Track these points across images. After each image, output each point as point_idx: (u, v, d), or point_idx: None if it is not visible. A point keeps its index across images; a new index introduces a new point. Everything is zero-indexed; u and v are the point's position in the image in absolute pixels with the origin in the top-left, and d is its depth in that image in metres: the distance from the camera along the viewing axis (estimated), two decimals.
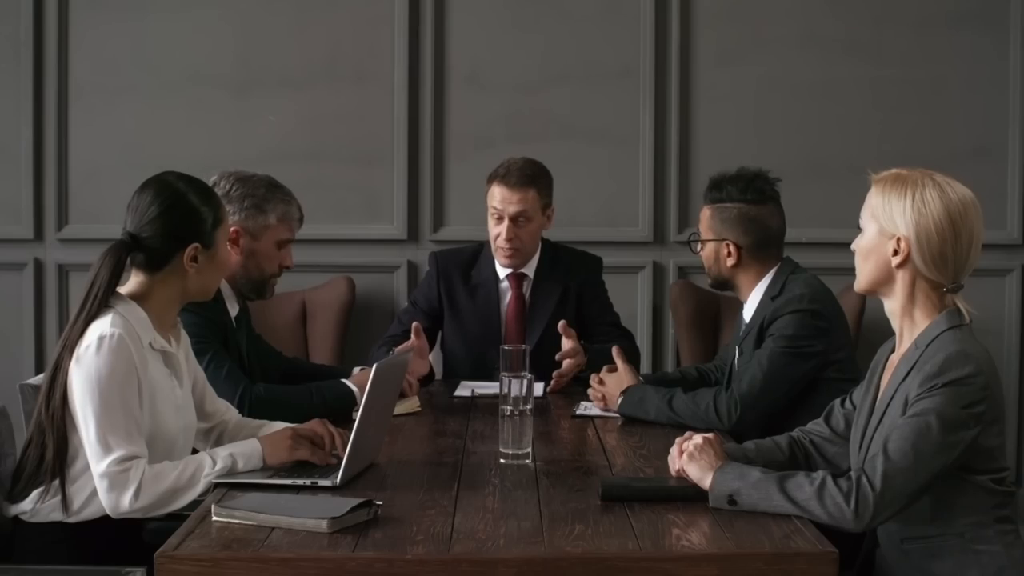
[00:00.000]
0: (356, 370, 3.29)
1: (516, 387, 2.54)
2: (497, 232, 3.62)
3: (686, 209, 4.54)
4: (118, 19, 4.52)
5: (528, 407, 2.54)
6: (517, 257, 3.66)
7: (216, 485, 2.36)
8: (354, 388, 3.08)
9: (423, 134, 4.54)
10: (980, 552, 2.21)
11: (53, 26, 4.50)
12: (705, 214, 3.14)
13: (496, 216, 3.62)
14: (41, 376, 2.61)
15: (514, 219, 3.60)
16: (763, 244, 3.08)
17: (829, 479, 2.15)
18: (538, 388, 3.16)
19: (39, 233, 4.57)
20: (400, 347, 3.36)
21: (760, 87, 4.54)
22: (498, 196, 3.60)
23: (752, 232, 3.07)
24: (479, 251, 3.78)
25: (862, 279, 2.33)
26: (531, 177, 3.61)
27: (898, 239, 2.24)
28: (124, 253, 2.46)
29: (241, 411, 2.84)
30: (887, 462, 2.14)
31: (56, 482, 2.41)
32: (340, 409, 3.01)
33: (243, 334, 3.17)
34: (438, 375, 3.72)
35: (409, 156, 4.53)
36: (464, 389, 3.43)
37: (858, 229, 2.34)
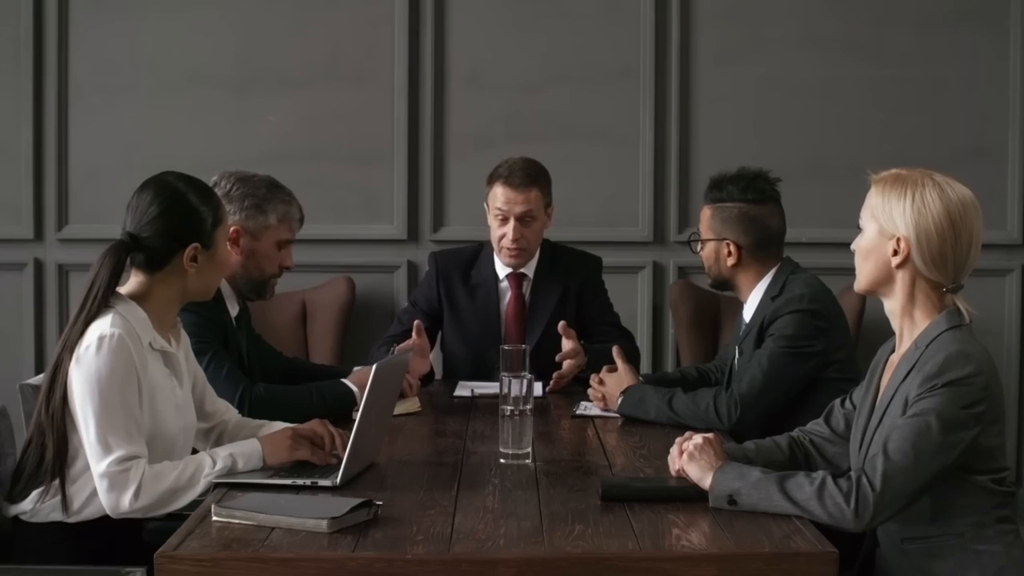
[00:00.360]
0: (357, 369, 3.28)
1: (516, 387, 2.54)
2: (502, 233, 3.62)
3: (686, 209, 4.54)
4: (118, 19, 4.52)
5: (528, 407, 2.54)
6: (523, 257, 3.67)
7: (216, 485, 2.36)
8: (354, 388, 3.08)
9: (423, 134, 4.54)
10: (980, 552, 2.21)
11: (53, 26, 4.50)
12: (705, 214, 3.14)
13: (501, 217, 3.62)
14: (41, 376, 2.61)
15: (520, 219, 3.60)
16: (763, 244, 3.08)
17: (829, 479, 2.15)
18: (537, 388, 3.16)
19: (39, 233, 4.57)
20: (401, 346, 3.36)
21: (760, 87, 4.54)
22: (502, 197, 3.60)
23: (752, 232, 3.07)
24: (479, 251, 3.78)
25: (862, 279, 2.33)
26: (534, 177, 3.61)
27: (898, 239, 2.24)
28: (124, 253, 2.46)
29: (241, 411, 2.84)
30: (887, 462, 2.14)
31: (56, 482, 2.41)
32: (340, 409, 3.01)
33: (243, 334, 3.17)
34: (438, 375, 3.72)
35: (409, 156, 4.53)
36: (464, 389, 3.43)
37: (858, 229, 2.34)
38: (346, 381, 3.12)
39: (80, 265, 4.37)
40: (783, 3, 4.53)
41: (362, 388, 2.94)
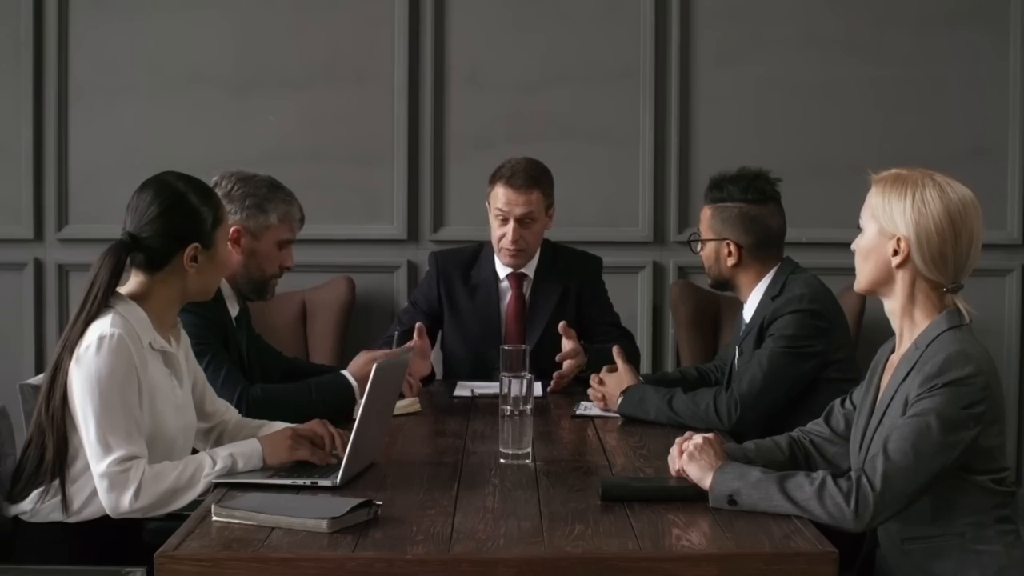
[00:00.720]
0: (361, 354, 3.23)
1: (516, 387, 2.54)
2: (502, 233, 3.62)
3: (686, 209, 4.54)
4: (118, 19, 4.52)
5: (528, 407, 2.54)
6: (522, 258, 3.67)
7: (216, 485, 2.36)
8: (353, 382, 3.07)
9: (423, 134, 4.54)
10: (980, 552, 2.21)
11: (53, 26, 4.50)
12: (706, 214, 3.14)
13: (501, 218, 3.62)
14: (41, 376, 2.61)
15: (520, 220, 3.60)
16: (763, 244, 3.08)
17: (829, 479, 2.15)
18: (537, 388, 3.16)
19: (39, 233, 4.57)
20: (403, 347, 3.35)
21: (760, 87, 4.54)
22: (503, 198, 3.59)
23: (753, 232, 3.07)
24: (479, 251, 3.78)
25: (862, 279, 2.33)
26: (535, 178, 3.61)
27: (898, 239, 2.24)
28: (124, 253, 2.46)
29: (240, 413, 2.83)
30: (887, 462, 2.14)
31: (56, 482, 2.41)
32: (340, 404, 3.00)
33: (243, 334, 3.17)
34: (438, 375, 3.72)
35: (409, 156, 4.53)
36: (464, 389, 3.43)
37: (858, 229, 2.34)
38: (345, 373, 3.11)
39: (80, 265, 4.37)
40: (783, 3, 4.53)
41: (361, 381, 2.95)
